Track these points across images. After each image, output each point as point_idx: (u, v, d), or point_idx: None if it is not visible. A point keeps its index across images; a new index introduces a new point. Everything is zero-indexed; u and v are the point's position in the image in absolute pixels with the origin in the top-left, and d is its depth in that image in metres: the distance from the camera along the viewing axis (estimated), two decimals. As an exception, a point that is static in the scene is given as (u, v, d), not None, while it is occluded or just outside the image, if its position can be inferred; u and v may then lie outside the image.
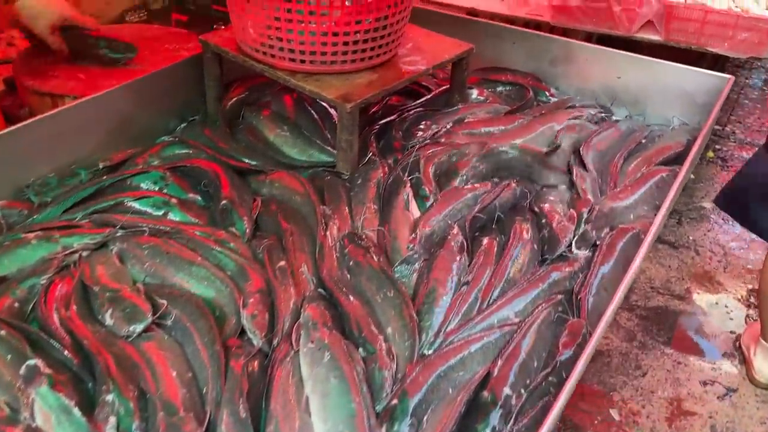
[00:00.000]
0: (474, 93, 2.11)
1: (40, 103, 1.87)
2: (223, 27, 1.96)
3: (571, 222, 1.54)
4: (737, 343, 2.15)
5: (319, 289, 1.36)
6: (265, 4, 1.59)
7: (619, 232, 1.54)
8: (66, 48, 2.00)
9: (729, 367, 2.08)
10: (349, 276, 1.38)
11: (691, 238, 2.63)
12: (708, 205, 2.81)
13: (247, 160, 1.72)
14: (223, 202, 1.53)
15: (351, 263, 1.40)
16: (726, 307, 2.32)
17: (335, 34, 1.63)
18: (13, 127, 1.53)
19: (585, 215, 1.57)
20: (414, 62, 1.82)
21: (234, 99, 1.95)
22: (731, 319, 2.26)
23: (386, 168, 1.71)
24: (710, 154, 3.19)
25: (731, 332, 2.21)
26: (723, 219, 2.72)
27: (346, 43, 1.66)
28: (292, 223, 1.51)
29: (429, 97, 2.08)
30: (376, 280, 1.36)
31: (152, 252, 1.37)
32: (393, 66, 1.80)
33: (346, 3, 1.58)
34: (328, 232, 1.48)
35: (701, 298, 2.34)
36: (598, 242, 1.52)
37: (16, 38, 2.58)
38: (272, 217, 1.54)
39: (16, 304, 1.25)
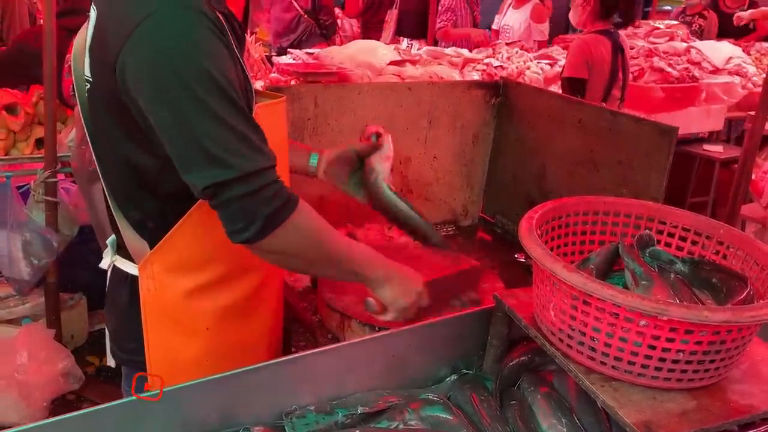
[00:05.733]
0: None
1: (329, 317, 1.91)
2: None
3: None
4: None
5: None
6: (575, 294, 1.41)
7: None
8: None
9: None
10: None
11: None
12: None
13: (508, 454, 1.49)
14: None
15: None
16: None
17: (652, 347, 1.36)
18: (294, 355, 1.56)
19: None
20: (746, 395, 1.44)
21: (514, 362, 1.76)
22: None
23: None
24: None
25: None
26: None
27: (662, 359, 1.37)
28: None
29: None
30: None
31: None
32: (717, 393, 1.43)
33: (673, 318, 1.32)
34: None
35: None
36: None
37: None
38: None
39: None
